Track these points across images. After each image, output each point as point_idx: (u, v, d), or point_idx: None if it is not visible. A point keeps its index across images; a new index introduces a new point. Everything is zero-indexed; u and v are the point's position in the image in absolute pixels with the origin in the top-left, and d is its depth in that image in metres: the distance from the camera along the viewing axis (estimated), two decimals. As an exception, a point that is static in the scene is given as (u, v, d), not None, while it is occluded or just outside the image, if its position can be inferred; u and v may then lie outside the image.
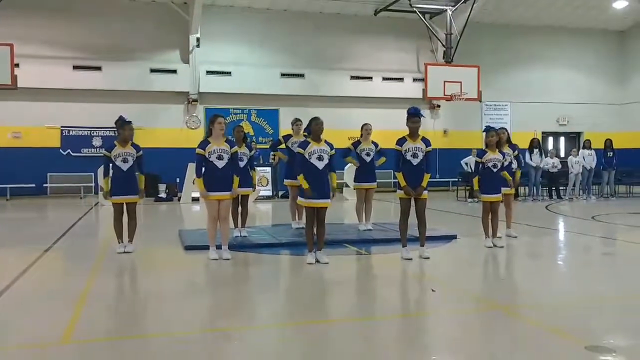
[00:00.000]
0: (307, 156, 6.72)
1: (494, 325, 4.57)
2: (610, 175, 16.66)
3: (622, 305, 5.12)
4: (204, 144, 7.00)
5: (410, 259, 6.94)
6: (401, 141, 6.99)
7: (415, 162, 6.92)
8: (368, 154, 8.89)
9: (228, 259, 6.96)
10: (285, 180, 9.08)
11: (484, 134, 8.09)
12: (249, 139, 8.95)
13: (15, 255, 7.65)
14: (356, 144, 8.97)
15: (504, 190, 8.25)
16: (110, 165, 7.48)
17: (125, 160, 7.41)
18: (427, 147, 6.98)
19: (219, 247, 7.13)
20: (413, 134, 6.99)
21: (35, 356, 3.89)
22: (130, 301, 5.61)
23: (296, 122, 9.07)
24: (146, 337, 4.28)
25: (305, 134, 7.09)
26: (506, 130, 8.90)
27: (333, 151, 6.87)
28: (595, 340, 4.03)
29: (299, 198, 6.98)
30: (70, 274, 6.77)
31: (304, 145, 6.81)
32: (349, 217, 10.92)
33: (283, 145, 9.08)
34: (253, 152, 8.87)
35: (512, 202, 8.86)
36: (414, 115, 6.99)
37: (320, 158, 6.72)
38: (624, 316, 4.76)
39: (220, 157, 6.96)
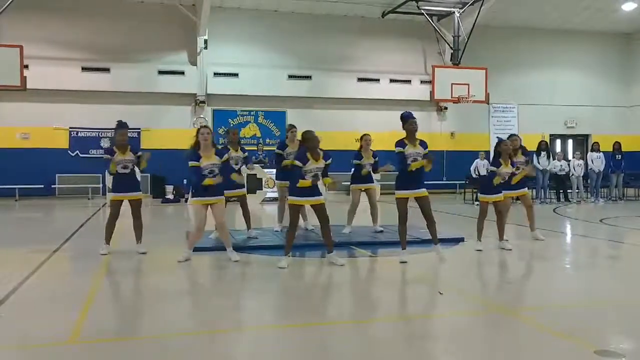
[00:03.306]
0: (302, 172, 6.53)
1: (501, 329, 4.55)
2: (619, 178, 16.57)
3: (631, 308, 5.09)
4: (196, 156, 6.81)
5: (406, 262, 6.85)
6: (401, 144, 6.89)
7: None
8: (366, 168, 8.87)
9: (237, 261, 6.91)
10: (277, 181, 9.04)
11: (497, 144, 8.04)
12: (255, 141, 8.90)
13: (24, 256, 7.69)
14: (358, 157, 8.85)
15: (520, 191, 8.36)
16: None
17: (125, 167, 7.39)
18: (425, 150, 6.90)
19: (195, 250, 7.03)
20: (412, 136, 6.90)
21: (42, 356, 3.91)
22: (136, 302, 5.63)
23: (291, 128, 8.87)
24: (151, 338, 4.29)
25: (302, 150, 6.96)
26: (518, 137, 8.90)
27: (329, 161, 6.66)
28: (604, 344, 4.01)
29: (289, 197, 6.83)
30: (78, 274, 6.81)
31: (303, 160, 6.53)
32: (354, 220, 10.90)
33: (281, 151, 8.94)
34: (246, 154, 8.76)
35: (532, 203, 8.83)
36: (410, 117, 6.96)
37: (315, 176, 6.58)
38: (633, 320, 4.73)
39: (211, 172, 6.85)
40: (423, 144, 6.94)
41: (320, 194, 6.72)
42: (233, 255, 7.01)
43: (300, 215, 8.87)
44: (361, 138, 9.00)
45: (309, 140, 6.61)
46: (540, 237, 8.64)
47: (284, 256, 6.72)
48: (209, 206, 6.95)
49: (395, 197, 6.94)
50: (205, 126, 7.16)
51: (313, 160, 6.54)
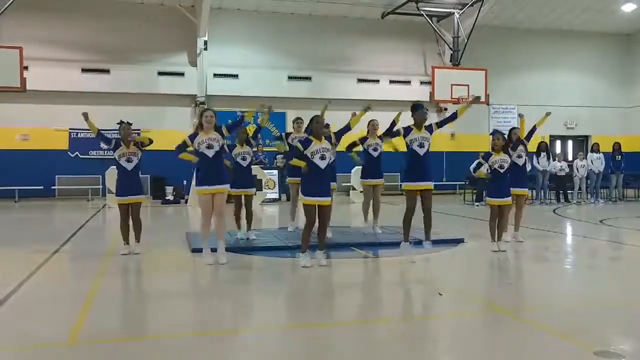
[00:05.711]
0: (309, 155, 6.62)
1: (500, 329, 4.55)
2: (619, 179, 16.58)
3: (630, 309, 5.09)
4: (192, 136, 6.89)
5: (414, 262, 6.89)
6: (407, 129, 7.03)
7: (422, 152, 6.94)
8: (375, 149, 8.82)
9: (224, 263, 6.80)
10: (288, 178, 9.02)
11: (490, 137, 8.13)
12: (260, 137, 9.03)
13: (23, 257, 7.69)
14: (363, 139, 8.88)
15: (518, 191, 8.32)
16: (116, 165, 7.59)
17: (129, 160, 7.45)
18: (431, 134, 7.04)
19: (214, 250, 6.99)
20: (420, 125, 7.05)
21: (42, 356, 3.91)
22: (136, 303, 5.63)
23: (297, 120, 9.21)
24: (151, 339, 4.30)
25: (306, 134, 7.05)
26: (517, 128, 9.08)
27: (335, 141, 6.76)
28: (604, 345, 4.01)
29: (299, 195, 6.86)
30: (77, 275, 6.80)
31: (306, 143, 6.67)
32: (356, 220, 10.91)
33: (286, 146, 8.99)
34: (255, 149, 8.85)
35: (524, 204, 8.81)
36: (421, 107, 7.12)
37: (322, 157, 6.62)
38: (633, 321, 4.73)
39: (210, 147, 6.80)
40: (429, 128, 7.05)
41: (328, 195, 6.73)
42: (222, 258, 6.87)
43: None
44: (368, 123, 8.97)
45: (310, 123, 6.82)
46: (519, 239, 8.55)
47: (302, 253, 6.71)
48: (212, 196, 6.90)
49: (405, 187, 7.03)
50: (209, 109, 7.15)
51: (317, 141, 6.65)
